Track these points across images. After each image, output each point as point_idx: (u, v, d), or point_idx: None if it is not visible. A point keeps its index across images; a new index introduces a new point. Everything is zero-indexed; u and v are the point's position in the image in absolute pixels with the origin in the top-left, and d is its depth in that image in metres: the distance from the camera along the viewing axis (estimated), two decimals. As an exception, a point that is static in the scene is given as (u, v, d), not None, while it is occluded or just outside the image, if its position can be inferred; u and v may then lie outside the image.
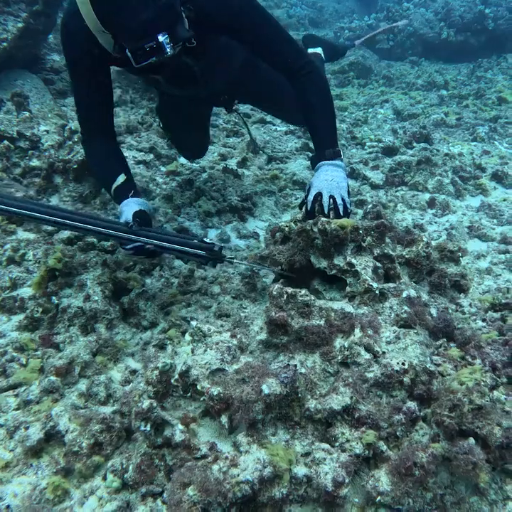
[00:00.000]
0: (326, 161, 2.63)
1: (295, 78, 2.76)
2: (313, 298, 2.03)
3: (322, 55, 4.76)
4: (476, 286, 3.03)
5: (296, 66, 2.72)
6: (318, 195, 2.50)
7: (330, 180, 2.54)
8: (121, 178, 2.62)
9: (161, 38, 2.08)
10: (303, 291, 2.02)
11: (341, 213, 2.45)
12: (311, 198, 2.52)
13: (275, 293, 2.01)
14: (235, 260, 2.46)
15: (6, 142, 3.68)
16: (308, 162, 4.80)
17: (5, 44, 4.57)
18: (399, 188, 4.50)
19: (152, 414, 1.62)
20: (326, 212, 2.45)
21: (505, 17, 10.35)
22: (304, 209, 2.55)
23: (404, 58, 10.38)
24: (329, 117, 2.77)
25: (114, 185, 2.61)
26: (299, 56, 2.75)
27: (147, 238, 2.33)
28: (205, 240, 2.38)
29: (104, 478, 1.71)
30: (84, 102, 2.71)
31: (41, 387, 2.05)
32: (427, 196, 4.31)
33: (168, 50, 2.11)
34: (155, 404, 1.63)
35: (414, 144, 5.30)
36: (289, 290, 2.00)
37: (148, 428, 1.61)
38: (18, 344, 2.31)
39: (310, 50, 4.74)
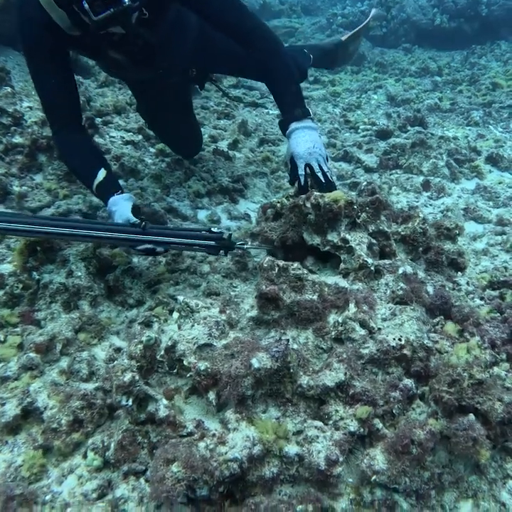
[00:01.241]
0: (297, 123, 2.55)
1: (250, 45, 2.71)
2: (306, 272, 1.95)
3: (306, 51, 4.45)
4: (472, 267, 2.96)
5: (247, 29, 2.67)
6: (307, 167, 2.45)
7: (312, 147, 2.48)
8: (102, 174, 2.51)
9: None
10: (295, 265, 1.93)
11: (331, 179, 2.45)
12: (301, 171, 2.46)
13: (266, 265, 1.92)
14: (246, 245, 2.38)
15: (-13, 118, 3.57)
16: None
17: (-15, 19, 4.44)
18: (393, 171, 4.43)
19: (134, 388, 1.52)
20: (322, 182, 2.42)
21: (498, 3, 10.28)
22: (296, 184, 2.47)
23: (398, 45, 10.30)
24: (291, 79, 2.69)
25: (96, 182, 2.50)
26: (249, 19, 2.68)
27: (158, 236, 2.26)
28: (212, 229, 2.33)
29: (85, 456, 1.62)
30: (48, 90, 2.59)
31: (20, 363, 1.95)
32: (421, 179, 4.23)
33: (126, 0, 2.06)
34: (137, 378, 1.54)
35: (409, 128, 5.21)
36: (281, 263, 1.91)
37: (130, 402, 1.52)
38: (-4, 320, 2.22)
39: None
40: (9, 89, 3.81)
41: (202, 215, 3.43)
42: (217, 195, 3.67)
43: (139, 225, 2.25)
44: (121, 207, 2.40)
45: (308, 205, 2.26)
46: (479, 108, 6.10)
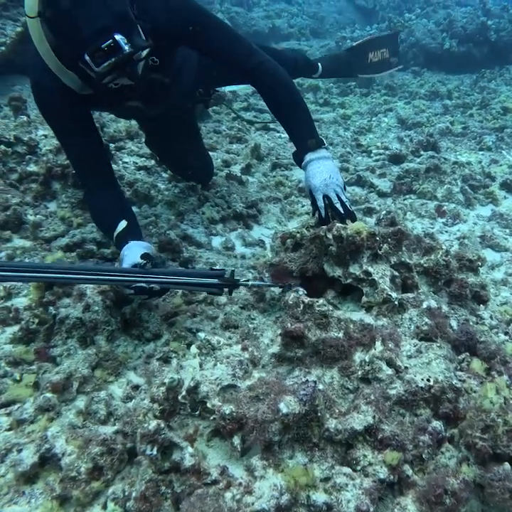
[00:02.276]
0: (311, 154, 2.52)
1: (252, 78, 2.72)
2: (331, 308, 1.89)
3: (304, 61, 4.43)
4: (493, 298, 2.90)
5: (251, 65, 2.65)
6: (326, 198, 2.42)
7: (328, 178, 2.44)
8: (123, 224, 2.47)
9: (117, 37, 2.01)
10: (320, 301, 1.88)
11: (350, 209, 2.42)
12: (321, 204, 2.43)
13: (291, 302, 1.87)
14: (250, 282, 2.29)
15: (2, 147, 3.55)
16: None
17: (3, 48, 4.46)
18: (407, 196, 4.39)
19: (159, 436, 1.46)
20: (342, 213, 2.38)
21: (507, 29, 10.29)
22: (316, 215, 2.43)
23: (407, 68, 10.29)
24: (299, 108, 2.66)
25: (116, 233, 2.47)
26: (251, 55, 2.67)
27: (158, 276, 2.17)
28: (214, 268, 2.27)
29: (104, 507, 1.54)
30: (74, 153, 2.63)
31: (36, 404, 1.89)
32: (436, 205, 4.18)
33: (126, 48, 2.02)
34: (162, 425, 1.48)
35: (422, 152, 5.18)
36: (306, 299, 1.86)
37: (154, 452, 1.46)
38: (11, 358, 2.16)
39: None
40: (25, 118, 3.81)
41: (216, 242, 3.39)
42: (232, 221, 3.64)
43: (141, 265, 2.18)
44: (133, 252, 2.33)
45: (329, 236, 2.21)
46: (491, 133, 6.07)
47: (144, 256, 2.26)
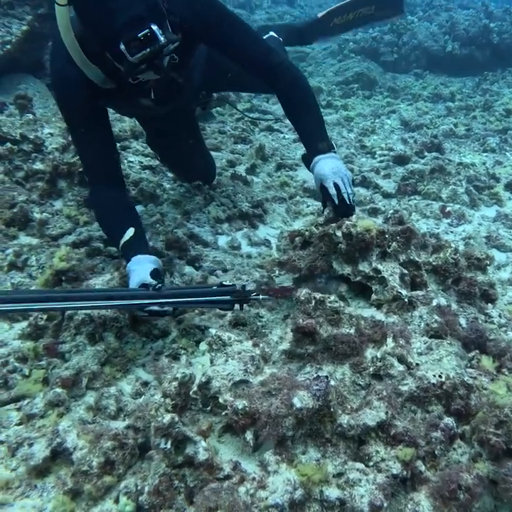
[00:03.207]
0: (321, 155, 2.52)
1: (270, 77, 2.72)
2: (342, 304, 1.89)
3: (275, 34, 4.48)
4: (500, 297, 2.89)
5: (269, 64, 2.68)
6: (337, 186, 2.41)
7: (337, 170, 2.45)
8: (130, 233, 2.41)
9: (154, 27, 2.01)
10: (332, 297, 1.88)
11: (351, 203, 2.42)
12: (333, 191, 2.41)
13: (303, 298, 1.87)
14: (261, 296, 2.21)
15: (8, 145, 3.55)
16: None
17: (9, 47, 4.47)
18: (412, 197, 4.38)
19: (173, 429, 1.45)
20: (350, 203, 2.40)
21: (509, 31, 10.30)
22: (325, 212, 2.43)
23: (409, 71, 10.30)
24: (313, 111, 2.68)
25: (122, 241, 2.41)
26: (270, 55, 2.70)
27: (171, 297, 2.13)
28: (224, 282, 2.21)
29: (117, 501, 1.53)
30: (86, 150, 2.62)
31: (46, 399, 1.88)
32: (441, 205, 4.18)
33: (162, 38, 2.03)
34: (176, 419, 1.47)
35: (426, 154, 5.18)
36: (318, 296, 1.86)
37: (168, 445, 1.45)
38: (20, 353, 2.15)
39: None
40: (31, 116, 3.80)
41: (222, 241, 3.39)
42: (237, 220, 3.63)
43: (154, 286, 2.10)
44: (142, 268, 2.27)
45: (339, 234, 2.21)
46: (495, 134, 6.07)
47: (153, 273, 2.23)
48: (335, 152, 2.57)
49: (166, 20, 2.19)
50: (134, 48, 2.01)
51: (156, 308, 2.11)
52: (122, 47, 2.00)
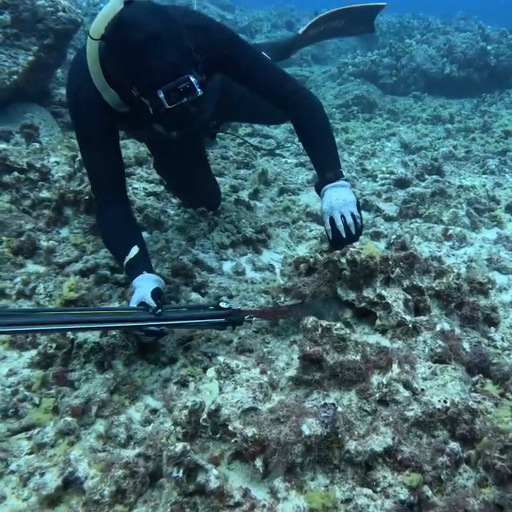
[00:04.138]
0: (328, 185, 2.59)
1: (287, 105, 2.80)
2: (348, 331, 1.93)
3: (266, 55, 4.61)
4: (502, 320, 2.92)
5: (285, 92, 2.76)
6: (332, 221, 2.48)
7: (335, 200, 2.51)
8: (135, 251, 2.49)
9: (192, 79, 2.13)
10: (338, 325, 1.91)
11: (353, 232, 2.46)
12: (328, 227, 2.49)
13: (310, 326, 1.90)
14: (253, 319, 2.41)
15: (15, 174, 3.60)
16: (321, 194, 4.75)
17: (15, 77, 4.55)
18: (413, 220, 4.42)
19: (185, 458, 1.48)
20: (343, 237, 2.43)
21: (506, 54, 10.45)
22: (330, 236, 2.49)
23: (408, 93, 10.42)
24: (325, 141, 2.75)
25: (127, 258, 2.48)
26: (287, 83, 2.78)
27: (169, 320, 2.24)
28: (221, 303, 2.32)
29: (129, 530, 1.56)
30: (96, 168, 2.68)
31: (56, 428, 1.91)
32: (442, 228, 4.23)
33: (199, 91, 2.16)
34: (189, 448, 1.50)
35: (426, 176, 5.24)
36: (324, 323, 1.90)
37: (180, 474, 1.48)
38: (30, 382, 2.19)
39: None
40: (38, 145, 3.86)
41: (227, 266, 3.42)
42: (241, 246, 3.67)
43: (154, 310, 2.17)
44: (145, 286, 2.33)
45: (343, 260, 2.26)
46: (494, 156, 6.13)
47: (155, 292, 2.30)
48: (344, 179, 2.63)
49: (198, 65, 2.28)
50: (173, 97, 2.13)
51: (153, 328, 2.21)
52: (161, 95, 2.11)
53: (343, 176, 2.62)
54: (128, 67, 2.20)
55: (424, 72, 10.66)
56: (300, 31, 5.24)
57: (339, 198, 2.52)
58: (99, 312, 2.25)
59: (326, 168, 2.64)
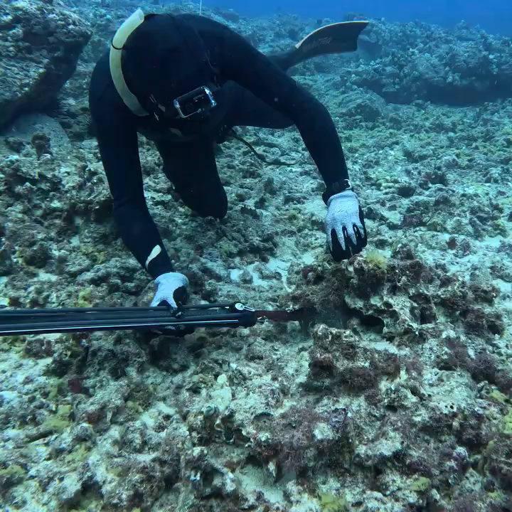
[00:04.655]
0: (333, 196, 2.65)
1: (295, 114, 2.87)
2: (357, 339, 1.98)
3: None
4: (506, 327, 2.97)
5: (294, 102, 2.83)
6: (334, 233, 2.51)
7: (338, 211, 2.55)
8: (157, 251, 2.60)
9: (207, 91, 2.24)
10: (347, 332, 1.97)
11: (355, 243, 2.47)
12: (330, 239, 2.53)
13: (320, 334, 1.95)
14: (265, 320, 2.61)
15: (27, 184, 3.67)
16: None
17: (27, 89, 4.62)
18: (417, 228, 4.48)
19: (202, 462, 1.53)
20: (343, 249, 2.45)
21: (509, 62, 10.55)
22: (331, 248, 2.54)
23: (411, 102, 10.51)
24: (332, 150, 2.80)
25: (150, 258, 2.58)
26: (295, 93, 2.84)
27: (187, 321, 2.36)
28: (236, 305, 2.44)
29: (146, 532, 1.61)
30: (115, 169, 2.77)
31: (73, 434, 1.95)
32: (446, 236, 4.28)
33: (213, 102, 2.26)
34: (206, 452, 1.55)
35: (430, 185, 5.30)
36: (334, 331, 1.95)
37: (197, 477, 1.53)
38: (46, 389, 2.24)
39: None
40: (49, 156, 3.93)
41: (235, 275, 3.48)
42: (248, 254, 3.73)
43: (174, 312, 2.31)
44: (169, 284, 2.44)
45: (351, 269, 2.32)
46: (497, 165, 6.19)
47: (179, 291, 2.41)
48: (351, 189, 2.67)
49: (213, 77, 2.38)
50: (188, 108, 2.25)
51: (171, 328, 2.33)
52: (177, 105, 2.23)
53: (349, 186, 2.66)
54: (147, 77, 2.31)
55: (426, 80, 10.76)
56: (297, 45, 5.43)
57: (342, 209, 2.55)
58: (121, 312, 2.43)
59: (332, 178, 2.69)
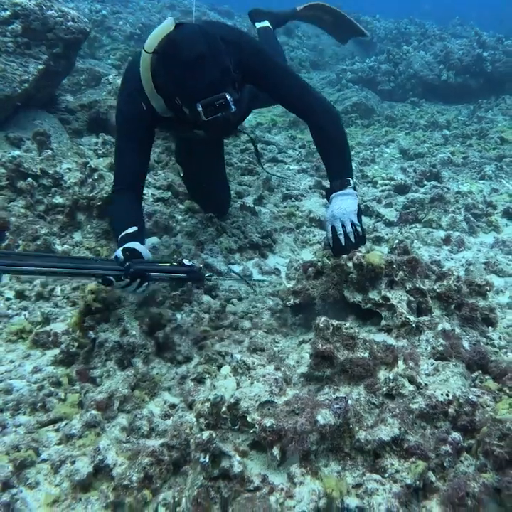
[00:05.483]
0: (334, 193, 2.80)
1: (306, 115, 3.05)
2: (357, 330, 2.06)
3: (270, 25, 5.29)
4: (499, 320, 3.05)
5: (306, 104, 3.00)
6: (333, 230, 2.66)
7: (337, 209, 2.69)
8: (132, 229, 2.64)
9: (228, 97, 2.41)
10: (347, 324, 2.05)
11: (353, 241, 2.63)
12: (330, 235, 2.67)
13: (322, 325, 2.04)
14: (213, 277, 2.72)
15: (30, 180, 3.73)
16: (323, 200, 4.90)
17: (26, 85, 4.68)
18: (413, 225, 4.56)
19: (211, 445, 1.61)
20: (343, 244, 2.61)
21: (502, 60, 10.62)
22: (330, 243, 2.63)
23: (406, 99, 10.59)
24: (338, 151, 2.96)
25: (122, 234, 2.62)
26: (309, 96, 3.01)
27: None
28: (184, 260, 2.52)
29: (155, 512, 1.69)
30: (126, 159, 2.91)
31: (83, 421, 2.03)
32: (441, 233, 4.37)
33: (233, 107, 2.43)
34: (214, 436, 1.63)
35: (425, 182, 5.39)
36: (335, 323, 2.03)
37: (206, 459, 1.61)
38: (54, 379, 2.32)
39: (258, 25, 5.29)
40: (50, 152, 3.99)
41: (235, 270, 3.55)
42: (248, 250, 3.81)
43: (122, 263, 2.30)
44: (121, 246, 2.49)
45: (350, 264, 2.40)
46: (491, 162, 6.28)
47: (127, 249, 2.44)
48: (352, 187, 2.81)
49: (234, 83, 2.55)
50: (210, 112, 2.42)
51: (110, 277, 2.29)
52: (200, 108, 2.41)
53: (351, 184, 2.79)
54: (174, 80, 2.48)
55: (421, 78, 10.84)
56: (298, 8, 5.81)
57: (341, 206, 2.70)
58: (72, 259, 2.63)
59: (335, 177, 2.84)
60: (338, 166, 2.91)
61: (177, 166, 4.33)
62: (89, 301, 2.43)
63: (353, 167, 6.02)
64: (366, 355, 2.00)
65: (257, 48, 2.98)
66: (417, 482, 1.69)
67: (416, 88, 10.88)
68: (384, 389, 1.94)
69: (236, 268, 3.57)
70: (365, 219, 4.62)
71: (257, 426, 1.75)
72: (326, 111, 2.99)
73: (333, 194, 2.78)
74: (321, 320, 2.05)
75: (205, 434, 1.62)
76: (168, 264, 2.53)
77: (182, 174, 4.09)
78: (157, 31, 2.61)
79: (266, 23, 5.27)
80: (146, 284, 2.38)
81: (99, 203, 3.56)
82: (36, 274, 2.56)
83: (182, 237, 3.76)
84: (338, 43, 8.03)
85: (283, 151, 6.59)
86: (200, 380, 2.32)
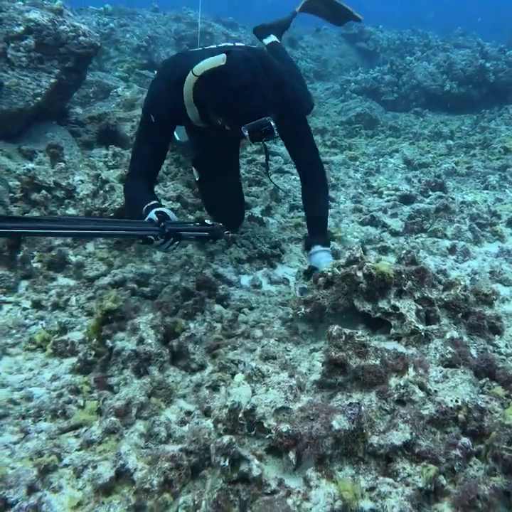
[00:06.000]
0: (322, 248, 3.34)
1: (301, 175, 3.56)
2: (369, 338, 2.12)
3: (277, 39, 5.45)
4: (505, 328, 3.11)
5: (306, 166, 3.50)
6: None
7: (324, 263, 3.10)
8: (154, 201, 2.84)
9: (272, 124, 2.62)
10: (359, 332, 2.11)
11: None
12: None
13: (335, 334, 2.10)
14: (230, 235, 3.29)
15: (44, 192, 3.81)
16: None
17: (39, 99, 4.77)
18: (418, 235, 4.63)
19: (231, 449, 1.68)
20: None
21: (505, 70, 10.73)
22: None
23: (409, 109, 10.69)
24: (322, 209, 3.53)
25: (147, 204, 2.80)
26: (308, 159, 3.47)
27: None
28: (206, 220, 2.84)
29: (176, 515, 1.75)
30: (145, 151, 3.10)
31: (102, 427, 2.10)
32: (446, 243, 4.43)
33: (276, 133, 2.64)
34: (234, 440, 1.70)
35: (430, 193, 5.46)
36: (347, 331, 2.10)
37: (226, 463, 1.67)
38: (73, 386, 2.38)
39: (266, 41, 5.42)
40: (63, 165, 4.07)
41: (245, 280, 3.62)
42: (257, 260, 3.88)
43: (158, 223, 2.55)
44: (151, 211, 2.71)
45: (360, 274, 2.46)
46: (494, 172, 6.35)
47: (161, 213, 2.66)
48: (328, 245, 3.42)
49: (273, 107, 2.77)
50: (255, 136, 2.67)
51: (150, 237, 2.53)
52: (246, 133, 2.64)
53: (330, 245, 3.46)
54: (220, 105, 2.75)
55: (424, 88, 10.95)
56: (297, 9, 6.04)
57: (327, 261, 3.18)
58: (109, 222, 2.88)
59: (320, 233, 3.44)
60: (323, 225, 3.47)
61: (192, 171, 4.30)
62: (109, 307, 2.50)
63: (359, 177, 6.16)
64: (377, 362, 2.06)
65: (297, 103, 3.30)
66: (429, 485, 1.75)
67: (419, 98, 11.00)
68: (395, 395, 1.99)
69: (246, 278, 3.64)
70: (371, 229, 4.72)
71: (273, 431, 1.81)
72: (317, 180, 3.49)
73: (320, 248, 3.33)
74: (334, 328, 2.12)
75: (225, 438, 1.68)
76: (192, 224, 2.96)
77: (197, 178, 4.09)
78: (210, 61, 2.76)
79: (273, 38, 5.38)
80: (177, 242, 2.65)
81: (111, 215, 3.63)
82: (84, 237, 3.13)
83: (192, 247, 3.83)
84: (341, 54, 8.17)
85: (289, 162, 6.66)
86: (214, 388, 2.38)
